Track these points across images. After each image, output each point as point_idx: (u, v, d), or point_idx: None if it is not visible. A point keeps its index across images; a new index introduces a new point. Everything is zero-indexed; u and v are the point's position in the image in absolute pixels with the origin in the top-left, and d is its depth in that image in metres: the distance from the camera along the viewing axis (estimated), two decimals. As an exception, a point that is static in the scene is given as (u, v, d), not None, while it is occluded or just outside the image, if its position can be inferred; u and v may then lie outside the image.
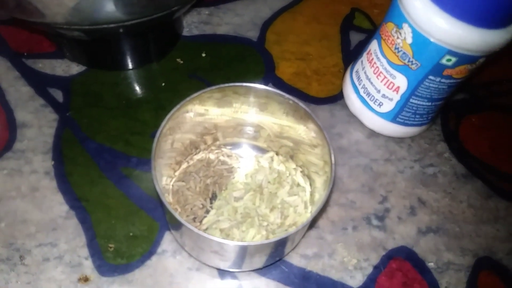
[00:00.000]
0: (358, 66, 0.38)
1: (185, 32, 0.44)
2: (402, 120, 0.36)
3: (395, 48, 0.32)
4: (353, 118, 0.39)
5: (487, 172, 0.38)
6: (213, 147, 0.35)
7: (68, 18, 0.30)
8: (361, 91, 0.37)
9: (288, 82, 0.42)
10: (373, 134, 0.39)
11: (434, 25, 0.29)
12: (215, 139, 0.35)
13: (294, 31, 0.46)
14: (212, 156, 0.35)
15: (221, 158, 0.35)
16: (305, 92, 0.41)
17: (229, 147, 0.36)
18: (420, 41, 0.30)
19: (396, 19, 0.32)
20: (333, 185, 0.27)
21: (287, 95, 0.30)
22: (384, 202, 0.35)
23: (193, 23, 0.45)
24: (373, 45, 0.35)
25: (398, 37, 0.32)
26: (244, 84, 0.30)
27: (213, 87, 0.30)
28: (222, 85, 0.30)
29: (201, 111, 0.32)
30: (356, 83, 0.38)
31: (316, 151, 0.30)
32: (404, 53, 0.32)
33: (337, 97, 0.41)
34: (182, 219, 0.25)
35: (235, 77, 0.41)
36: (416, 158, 0.38)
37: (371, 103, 0.37)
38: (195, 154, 0.35)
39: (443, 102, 0.35)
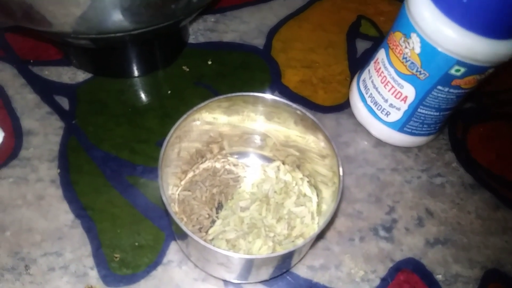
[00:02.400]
0: (365, 74, 0.38)
1: (191, 39, 0.44)
2: (409, 130, 0.36)
3: (403, 58, 0.32)
4: (360, 127, 0.39)
5: (495, 182, 0.38)
6: (219, 156, 0.35)
7: (75, 27, 0.30)
8: (368, 100, 0.37)
9: (294, 90, 0.41)
10: (380, 143, 0.39)
11: (443, 35, 0.29)
12: (221, 148, 0.35)
13: (300, 39, 0.45)
14: (218, 165, 0.35)
15: (227, 167, 0.35)
16: (311, 100, 0.41)
17: (235, 156, 0.35)
18: (428, 51, 0.30)
19: (404, 29, 0.31)
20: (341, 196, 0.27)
21: (294, 105, 0.30)
22: (391, 212, 0.35)
23: (199, 31, 0.45)
24: (381, 54, 0.35)
25: (406, 47, 0.32)
26: (252, 93, 0.30)
27: (221, 97, 0.30)
28: (230, 95, 0.30)
29: (208, 120, 0.31)
30: (363, 92, 0.37)
31: (325, 162, 0.30)
32: (412, 62, 0.32)
33: (344, 106, 0.41)
34: (188, 230, 0.25)
35: (241, 84, 0.41)
36: (424, 168, 0.38)
37: (378, 112, 0.36)
38: (201, 163, 0.34)
39: (451, 112, 0.35)
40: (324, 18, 0.48)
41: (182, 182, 0.33)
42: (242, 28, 0.46)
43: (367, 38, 0.46)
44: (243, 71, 0.42)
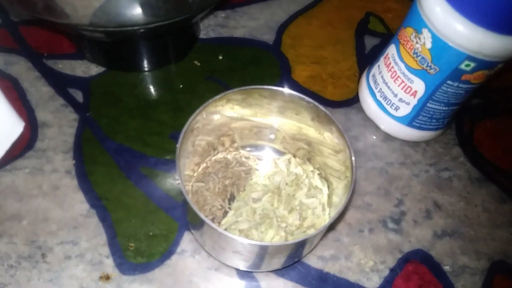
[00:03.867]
0: (374, 70, 0.38)
1: (202, 34, 0.45)
2: (418, 124, 0.37)
3: (414, 53, 0.33)
4: (369, 122, 0.40)
5: (502, 177, 0.38)
6: (231, 149, 0.36)
7: (93, 20, 0.30)
8: (378, 95, 0.38)
9: (304, 85, 0.42)
10: (388, 138, 0.39)
11: (454, 30, 0.29)
12: (233, 141, 0.36)
13: (309, 35, 0.46)
14: (230, 157, 0.35)
15: (239, 159, 0.35)
16: (320, 95, 0.41)
17: (247, 149, 0.36)
18: (439, 46, 0.31)
19: (415, 24, 0.32)
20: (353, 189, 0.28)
21: (308, 99, 0.30)
22: (400, 205, 0.36)
23: (210, 26, 0.45)
24: (391, 50, 0.35)
25: (417, 42, 0.32)
26: (267, 87, 0.31)
27: (236, 89, 0.30)
28: (245, 87, 0.30)
29: (223, 113, 0.32)
30: (373, 87, 0.38)
31: (338, 156, 0.30)
32: (423, 57, 0.32)
33: (353, 101, 0.41)
34: (206, 218, 0.25)
35: (251, 79, 0.42)
36: (431, 162, 0.38)
37: (387, 107, 0.37)
38: (214, 156, 0.35)
39: (459, 107, 0.36)
40: (333, 15, 0.48)
41: (195, 174, 0.34)
42: (252, 24, 0.46)
43: (375, 35, 0.46)
44: (253, 66, 0.43)
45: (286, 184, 0.34)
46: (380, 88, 0.37)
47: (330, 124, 0.30)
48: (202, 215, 0.25)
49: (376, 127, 0.39)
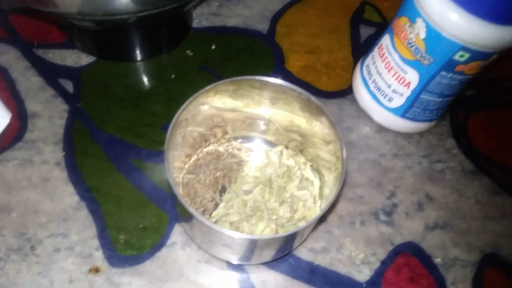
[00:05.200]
0: (368, 60, 0.38)
1: (195, 23, 0.44)
2: (411, 116, 0.36)
3: (408, 43, 0.32)
4: (362, 113, 0.39)
5: (495, 169, 0.38)
6: (222, 140, 0.35)
7: (81, 8, 0.30)
8: (371, 86, 0.37)
9: (298, 75, 0.42)
10: (382, 129, 0.39)
11: (449, 20, 0.29)
12: (225, 133, 0.35)
13: (304, 24, 0.45)
14: (221, 149, 0.35)
15: (231, 151, 0.35)
16: (314, 86, 0.41)
17: (239, 141, 0.36)
18: (433, 36, 0.30)
19: (409, 14, 0.31)
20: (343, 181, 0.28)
21: (300, 89, 0.30)
22: (392, 197, 0.35)
23: (203, 15, 0.45)
24: (385, 40, 0.35)
25: (411, 32, 0.32)
26: (258, 77, 0.30)
27: (227, 80, 0.30)
28: (236, 78, 0.30)
29: (214, 104, 0.32)
30: (367, 77, 0.38)
31: (329, 147, 0.30)
32: (416, 48, 0.32)
33: (347, 91, 0.41)
34: (194, 211, 0.25)
35: (245, 69, 0.41)
36: (425, 154, 0.38)
37: (381, 98, 0.37)
38: (205, 147, 0.35)
39: (453, 98, 0.35)
40: (329, 3, 0.47)
41: (186, 166, 0.34)
42: (246, 13, 0.46)
43: (370, 24, 0.46)
44: (247, 56, 0.42)
45: (278, 176, 0.34)
46: (374, 79, 0.37)
47: (321, 114, 0.30)
48: (191, 209, 0.25)
49: (370, 119, 0.39)
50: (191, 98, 0.29)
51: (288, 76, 0.41)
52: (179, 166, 0.33)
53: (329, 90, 0.41)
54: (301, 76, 0.42)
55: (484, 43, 0.29)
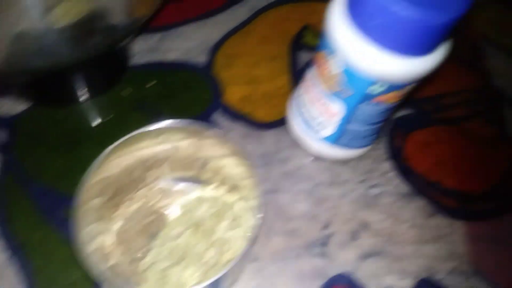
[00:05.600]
0: (298, 90, 0.38)
1: (134, 60, 0.44)
2: (343, 144, 0.37)
3: (328, 76, 0.33)
4: (300, 142, 0.40)
5: (431, 189, 0.38)
6: (154, 183, 0.36)
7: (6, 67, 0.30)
8: (302, 116, 0.38)
9: (235, 108, 0.42)
10: (318, 157, 0.39)
11: (359, 55, 0.29)
12: (157, 175, 0.36)
13: (244, 53, 0.46)
14: (152, 193, 0.35)
15: (162, 194, 0.35)
16: (251, 118, 0.41)
17: (171, 181, 0.36)
18: (349, 70, 0.31)
19: (327, 47, 0.32)
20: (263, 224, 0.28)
21: (216, 129, 0.30)
22: (326, 228, 0.36)
23: (142, 51, 0.45)
24: (310, 71, 0.35)
25: (330, 65, 0.32)
26: (169, 125, 0.31)
27: (141, 130, 0.30)
28: (143, 130, 0.30)
29: (140, 147, 0.32)
30: (298, 107, 0.38)
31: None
32: (336, 81, 0.32)
33: (284, 120, 0.41)
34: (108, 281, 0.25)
35: (183, 106, 0.42)
36: (361, 180, 0.38)
37: (311, 128, 0.37)
38: (136, 192, 0.35)
39: (383, 123, 0.36)
40: (269, 30, 0.48)
41: (116, 213, 0.34)
42: (186, 45, 0.46)
43: (310, 49, 0.46)
44: (185, 91, 0.43)
45: (209, 216, 0.34)
46: (303, 109, 0.37)
47: (240, 154, 0.30)
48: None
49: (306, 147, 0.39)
50: (105, 152, 0.29)
51: (225, 110, 0.42)
52: (107, 214, 0.33)
53: (267, 121, 0.41)
54: (239, 108, 0.42)
55: (394, 76, 0.29)
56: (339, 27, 0.29)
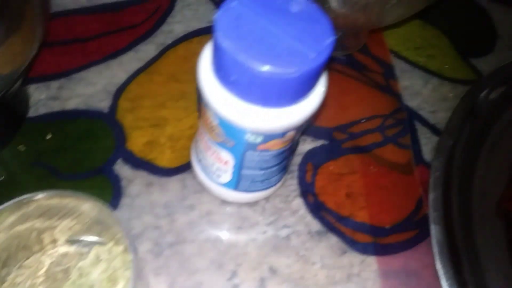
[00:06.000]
0: (196, 136, 0.37)
1: (31, 112, 0.42)
2: (244, 189, 0.35)
3: (210, 126, 0.31)
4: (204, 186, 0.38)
5: (343, 225, 0.37)
6: (48, 246, 0.33)
7: None
8: (201, 163, 0.36)
9: (139, 155, 0.40)
10: (225, 201, 0.38)
11: (226, 108, 0.28)
12: (51, 239, 0.33)
13: (150, 94, 0.44)
14: (45, 258, 0.33)
15: (56, 258, 0.33)
16: (156, 164, 0.40)
17: (66, 244, 0.34)
18: (223, 121, 0.29)
19: (202, 99, 0.30)
20: None
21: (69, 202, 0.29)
22: (233, 277, 0.34)
23: (41, 101, 0.43)
24: (200, 123, 0.34)
25: (209, 116, 0.31)
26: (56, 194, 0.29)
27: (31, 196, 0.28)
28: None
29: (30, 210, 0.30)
30: (196, 154, 0.37)
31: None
32: (217, 132, 0.31)
33: (190, 164, 0.39)
34: None
35: (82, 158, 0.40)
36: (270, 221, 0.37)
37: (210, 174, 0.36)
38: (25, 260, 0.33)
39: (281, 165, 0.34)
40: (177, 66, 0.46)
41: (3, 286, 0.32)
42: (88, 91, 0.44)
43: (216, 85, 0.45)
44: (85, 141, 0.41)
45: (104, 278, 0.32)
46: (201, 156, 0.36)
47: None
48: None
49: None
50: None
51: (129, 157, 0.40)
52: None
53: (173, 166, 0.40)
54: (143, 154, 0.40)
55: (264, 128, 0.28)
56: (206, 79, 0.28)
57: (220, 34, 0.24)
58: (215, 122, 0.30)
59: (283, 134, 0.29)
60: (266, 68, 0.23)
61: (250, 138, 0.29)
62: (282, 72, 0.24)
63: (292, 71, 0.24)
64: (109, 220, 0.31)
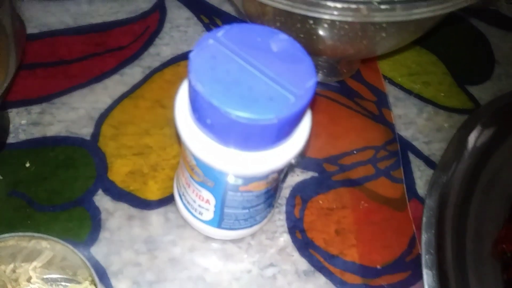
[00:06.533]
0: (177, 170, 0.35)
1: (11, 138, 0.40)
2: (228, 226, 0.34)
3: (190, 166, 0.30)
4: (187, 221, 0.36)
5: (332, 264, 0.35)
6: (23, 284, 0.32)
7: None
8: (183, 198, 0.34)
9: (121, 185, 0.38)
10: (209, 238, 0.36)
11: (202, 151, 0.26)
12: (26, 277, 0.32)
13: (134, 120, 0.42)
14: (16, 299, 0.31)
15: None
16: (138, 196, 0.38)
17: (41, 281, 0.32)
18: (201, 163, 0.28)
19: (180, 139, 0.29)
20: None
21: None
22: (214, 321, 0.32)
23: (21, 126, 0.41)
24: (181, 158, 0.32)
25: (188, 155, 0.29)
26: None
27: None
28: None
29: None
30: (179, 188, 0.35)
31: None
32: (196, 171, 0.29)
33: (173, 197, 0.38)
34: None
35: (62, 187, 0.38)
36: (255, 259, 0.35)
37: (192, 211, 0.34)
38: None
39: (265, 203, 0.33)
40: (163, 91, 0.45)
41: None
42: (70, 116, 0.42)
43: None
44: (65, 170, 0.39)
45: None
46: (183, 191, 0.34)
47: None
48: None
49: (194, 228, 0.36)
50: None
51: (110, 188, 0.38)
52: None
53: (156, 198, 0.38)
54: (125, 185, 0.38)
55: (243, 171, 0.26)
56: (182, 119, 0.26)
57: (194, 76, 0.22)
58: (193, 162, 0.28)
59: (266, 177, 0.28)
60: (242, 114, 0.22)
61: (230, 180, 0.27)
62: (260, 118, 0.22)
63: (270, 117, 0.22)
64: (80, 262, 0.29)
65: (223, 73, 0.23)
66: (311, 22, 0.30)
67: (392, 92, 0.46)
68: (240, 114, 0.22)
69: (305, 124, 0.27)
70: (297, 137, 0.27)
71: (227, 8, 0.51)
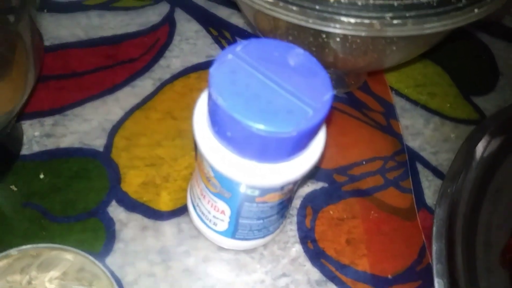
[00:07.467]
0: (192, 180, 0.36)
1: (24, 150, 0.41)
2: (242, 236, 0.34)
3: (206, 177, 0.30)
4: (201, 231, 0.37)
5: (343, 274, 0.36)
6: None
7: None
8: (197, 208, 0.35)
9: (134, 196, 0.39)
10: (222, 248, 0.36)
11: (220, 162, 0.27)
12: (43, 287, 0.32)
13: (146, 132, 0.43)
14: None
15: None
16: (151, 207, 0.38)
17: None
18: (219, 175, 0.28)
19: (198, 151, 0.29)
20: None
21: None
22: (228, 331, 0.33)
23: (34, 138, 0.42)
24: (195, 168, 0.33)
25: (205, 167, 0.30)
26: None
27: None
28: None
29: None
30: (193, 198, 0.35)
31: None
32: (213, 183, 0.30)
33: (187, 208, 0.38)
34: None
35: (76, 198, 0.38)
36: (268, 269, 0.36)
37: (207, 221, 0.34)
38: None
39: (279, 214, 0.33)
40: (174, 103, 0.45)
41: None
42: (83, 128, 0.43)
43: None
44: (79, 181, 0.40)
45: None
46: (197, 202, 0.34)
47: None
48: None
49: (207, 238, 0.37)
50: None
51: (123, 199, 0.39)
52: None
53: (168, 209, 0.38)
54: (138, 196, 0.39)
55: (260, 183, 0.27)
56: (201, 131, 0.27)
57: (215, 90, 0.23)
58: (211, 174, 0.29)
59: (281, 188, 0.28)
60: (262, 127, 0.22)
61: (247, 191, 0.28)
62: (280, 131, 0.23)
63: (289, 130, 0.23)
64: (99, 271, 0.30)
65: (243, 87, 0.24)
66: (324, 36, 0.31)
67: (398, 103, 0.47)
68: (261, 127, 0.23)
69: (320, 137, 0.28)
70: (313, 149, 0.27)
71: (235, 20, 0.52)
